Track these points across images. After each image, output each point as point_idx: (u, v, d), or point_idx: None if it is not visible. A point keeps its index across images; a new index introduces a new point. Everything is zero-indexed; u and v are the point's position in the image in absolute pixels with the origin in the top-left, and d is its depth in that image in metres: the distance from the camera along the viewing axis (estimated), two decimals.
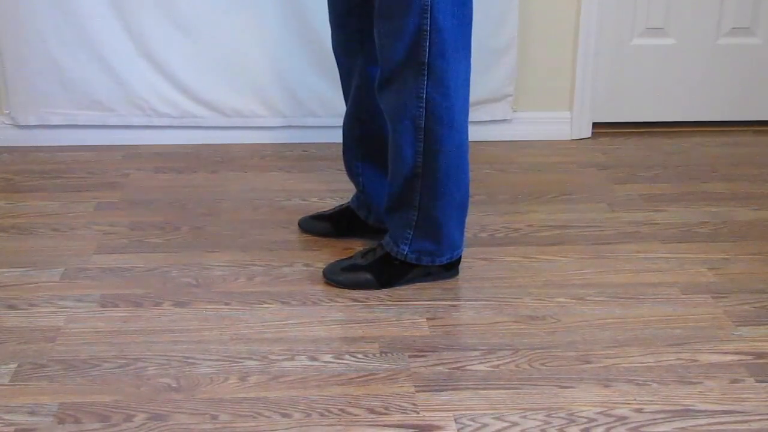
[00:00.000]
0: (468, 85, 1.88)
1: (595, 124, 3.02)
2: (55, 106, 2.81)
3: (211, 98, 2.83)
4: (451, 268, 2.04)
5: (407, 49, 1.79)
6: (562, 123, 2.96)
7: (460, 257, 2.04)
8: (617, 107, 3.02)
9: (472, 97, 2.83)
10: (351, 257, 2.05)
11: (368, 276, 1.99)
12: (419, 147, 1.87)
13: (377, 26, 1.84)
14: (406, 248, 1.98)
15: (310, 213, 2.32)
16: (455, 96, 1.84)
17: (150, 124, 2.86)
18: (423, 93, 1.82)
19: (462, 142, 1.89)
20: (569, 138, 2.98)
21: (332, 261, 2.07)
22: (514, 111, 2.94)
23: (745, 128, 3.06)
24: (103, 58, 2.76)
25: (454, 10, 1.78)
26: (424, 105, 1.83)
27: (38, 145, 2.85)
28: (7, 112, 2.83)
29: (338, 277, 2.01)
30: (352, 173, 2.18)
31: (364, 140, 2.11)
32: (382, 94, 1.89)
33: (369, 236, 2.20)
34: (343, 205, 2.29)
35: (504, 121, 2.94)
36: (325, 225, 2.25)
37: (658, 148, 2.90)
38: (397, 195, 1.95)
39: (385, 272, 2.00)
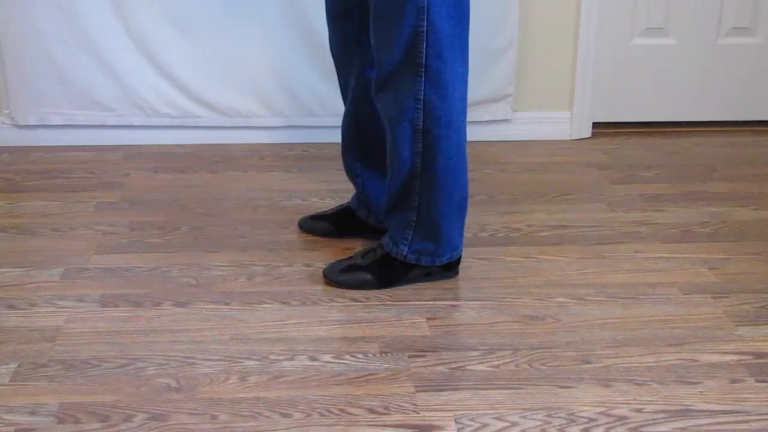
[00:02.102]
0: (466, 86, 1.87)
1: (595, 124, 3.01)
2: (55, 106, 2.81)
3: (211, 98, 2.83)
4: (450, 269, 2.04)
5: (404, 51, 1.79)
6: (562, 123, 2.96)
7: (460, 257, 2.04)
8: (617, 107, 3.02)
9: (472, 97, 2.83)
10: (351, 257, 2.05)
11: (368, 276, 1.99)
12: (417, 148, 1.87)
13: (373, 28, 1.84)
14: (406, 249, 1.98)
15: (310, 213, 2.32)
16: (453, 97, 1.84)
17: (150, 124, 2.86)
18: (420, 94, 1.82)
19: (460, 143, 1.89)
20: (569, 138, 2.97)
21: (332, 261, 2.07)
22: (514, 111, 2.94)
23: (745, 128, 3.06)
24: (103, 58, 2.76)
25: (451, 11, 1.78)
26: (421, 106, 1.83)
27: (38, 145, 2.85)
28: (7, 112, 2.83)
29: (338, 278, 2.01)
30: (352, 174, 2.18)
31: (362, 141, 2.11)
32: (380, 96, 1.88)
33: (369, 236, 2.20)
34: (343, 205, 2.29)
35: (504, 121, 2.94)
36: (325, 225, 2.25)
37: (658, 148, 2.90)
38: (396, 196, 1.95)
39: (384, 272, 2.00)
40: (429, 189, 1.91)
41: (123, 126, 2.85)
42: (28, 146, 2.84)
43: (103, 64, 2.76)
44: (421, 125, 1.85)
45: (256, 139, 2.90)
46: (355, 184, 2.19)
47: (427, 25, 1.76)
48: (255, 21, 2.77)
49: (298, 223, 2.29)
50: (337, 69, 2.10)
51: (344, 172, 2.21)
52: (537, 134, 2.96)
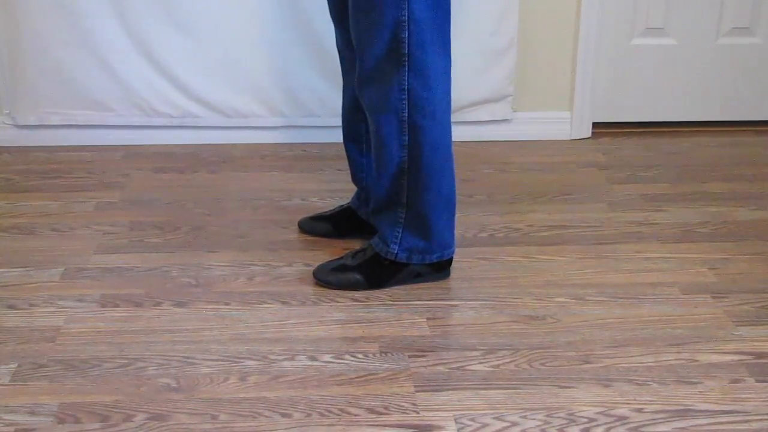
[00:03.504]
0: (448, 79, 1.87)
1: (595, 124, 3.02)
2: (55, 106, 2.81)
3: (211, 98, 2.83)
4: (441, 269, 2.03)
5: (387, 42, 1.79)
6: (562, 123, 2.96)
7: (452, 258, 2.03)
8: (617, 107, 3.02)
9: (473, 97, 2.84)
10: (341, 258, 2.05)
11: (358, 276, 1.99)
12: (404, 140, 1.87)
13: (354, 21, 1.83)
14: (396, 247, 1.97)
15: (310, 213, 2.32)
16: (436, 87, 1.84)
17: (150, 124, 2.86)
18: (405, 85, 1.82)
19: (444, 135, 1.89)
20: (569, 138, 2.98)
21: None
22: (514, 111, 2.94)
23: (745, 128, 3.06)
24: (103, 58, 2.76)
25: (431, 3, 1.78)
26: (406, 97, 1.83)
27: (38, 145, 2.85)
28: (7, 112, 2.83)
29: (327, 278, 2.00)
30: (356, 169, 2.17)
31: (365, 136, 2.10)
32: (363, 89, 1.88)
33: (369, 236, 2.20)
34: (343, 205, 2.29)
35: (504, 121, 2.94)
36: (326, 225, 2.25)
37: (658, 148, 2.90)
38: (385, 194, 1.95)
39: (374, 273, 1.99)
40: (417, 182, 1.90)
41: (123, 126, 2.86)
42: (28, 146, 2.84)
43: (103, 64, 2.76)
44: (406, 116, 1.85)
45: (256, 139, 2.90)
46: (358, 180, 2.18)
47: (408, 15, 1.77)
48: (255, 21, 2.77)
49: (298, 224, 2.29)
50: (341, 62, 2.11)
51: (344, 172, 2.21)
52: (537, 134, 2.96)
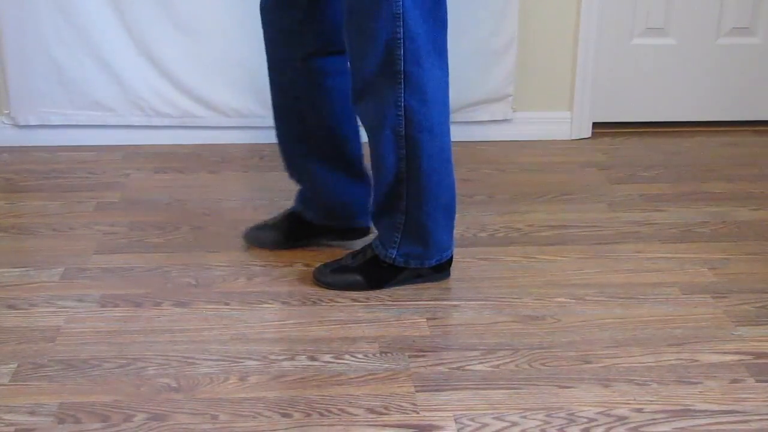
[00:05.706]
0: (446, 89, 1.86)
1: (595, 124, 3.01)
2: (55, 106, 2.81)
3: (211, 98, 2.83)
4: (441, 270, 2.03)
5: (381, 58, 1.77)
6: (562, 123, 2.96)
7: (451, 258, 2.03)
8: (617, 107, 3.02)
9: (472, 97, 2.84)
10: (341, 259, 2.04)
11: (357, 277, 1.99)
12: (401, 154, 1.86)
13: (348, 35, 1.81)
14: (394, 252, 1.97)
15: (254, 224, 2.23)
16: (433, 101, 1.82)
17: (150, 124, 2.85)
18: (401, 101, 1.80)
19: (443, 146, 1.88)
20: (569, 138, 2.97)
21: (331, 261, 2.07)
22: (514, 111, 2.94)
23: (745, 128, 3.06)
24: (103, 58, 2.76)
25: (426, 16, 1.76)
26: (402, 113, 1.81)
27: (38, 145, 2.85)
28: (7, 112, 2.83)
29: (327, 279, 2.00)
30: (298, 171, 2.11)
31: (309, 135, 2.04)
32: (359, 104, 1.86)
33: (320, 240, 2.17)
34: (286, 210, 2.22)
35: (504, 121, 2.94)
36: (273, 234, 2.17)
37: (658, 148, 2.90)
38: (383, 200, 1.94)
39: (374, 274, 1.99)
40: (415, 193, 1.89)
41: (123, 126, 2.85)
42: (28, 146, 2.84)
43: (103, 64, 2.76)
44: (403, 131, 1.83)
45: (256, 139, 2.89)
46: (301, 182, 2.13)
47: (403, 32, 1.75)
48: (255, 21, 2.75)
49: (243, 236, 2.20)
50: (269, 61, 2.01)
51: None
52: (537, 134, 2.96)
